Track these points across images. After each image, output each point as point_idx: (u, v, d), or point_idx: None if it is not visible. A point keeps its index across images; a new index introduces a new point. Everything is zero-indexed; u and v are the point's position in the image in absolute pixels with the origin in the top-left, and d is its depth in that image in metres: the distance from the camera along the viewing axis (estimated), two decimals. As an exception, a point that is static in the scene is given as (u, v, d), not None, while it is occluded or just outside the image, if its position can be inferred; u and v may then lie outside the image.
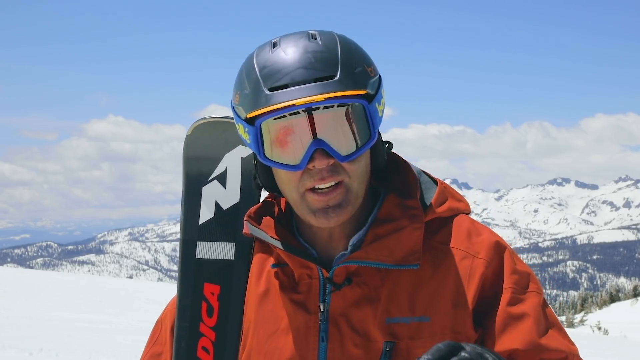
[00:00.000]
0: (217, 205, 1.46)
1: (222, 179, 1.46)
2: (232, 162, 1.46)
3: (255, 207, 1.39)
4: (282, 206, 1.41)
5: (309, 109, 1.18)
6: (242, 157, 1.46)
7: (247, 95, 1.22)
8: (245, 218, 1.36)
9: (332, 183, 1.23)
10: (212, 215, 1.46)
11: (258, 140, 1.23)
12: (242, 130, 1.27)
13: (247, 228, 1.34)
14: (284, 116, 1.19)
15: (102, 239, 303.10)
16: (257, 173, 1.34)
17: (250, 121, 1.24)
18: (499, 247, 1.32)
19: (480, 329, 1.27)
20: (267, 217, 1.37)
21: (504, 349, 1.23)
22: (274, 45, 1.24)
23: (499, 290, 1.28)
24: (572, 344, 1.29)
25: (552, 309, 1.33)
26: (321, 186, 1.23)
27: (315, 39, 1.23)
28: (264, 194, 1.46)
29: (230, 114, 1.34)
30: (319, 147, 1.19)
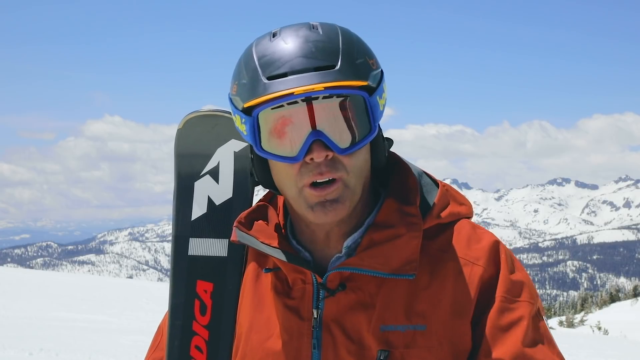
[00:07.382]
0: (210, 201, 1.43)
1: (214, 173, 1.43)
2: (225, 156, 1.42)
3: (247, 211, 1.35)
4: (278, 208, 1.36)
5: (308, 99, 1.15)
6: (234, 152, 1.42)
7: (244, 85, 1.19)
8: (234, 224, 1.31)
9: (330, 178, 1.19)
10: (205, 211, 1.42)
11: (255, 131, 1.19)
12: (239, 122, 1.23)
13: (235, 235, 1.30)
14: (282, 106, 1.16)
15: (102, 239, 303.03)
16: (254, 168, 1.29)
17: (247, 111, 1.20)
18: (498, 254, 1.27)
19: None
20: (259, 222, 1.33)
21: None
22: (274, 35, 1.20)
23: (492, 299, 1.23)
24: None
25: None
26: (319, 180, 1.18)
27: (317, 29, 1.20)
28: (258, 190, 1.43)
29: (223, 107, 1.31)
30: (318, 139, 1.16)
